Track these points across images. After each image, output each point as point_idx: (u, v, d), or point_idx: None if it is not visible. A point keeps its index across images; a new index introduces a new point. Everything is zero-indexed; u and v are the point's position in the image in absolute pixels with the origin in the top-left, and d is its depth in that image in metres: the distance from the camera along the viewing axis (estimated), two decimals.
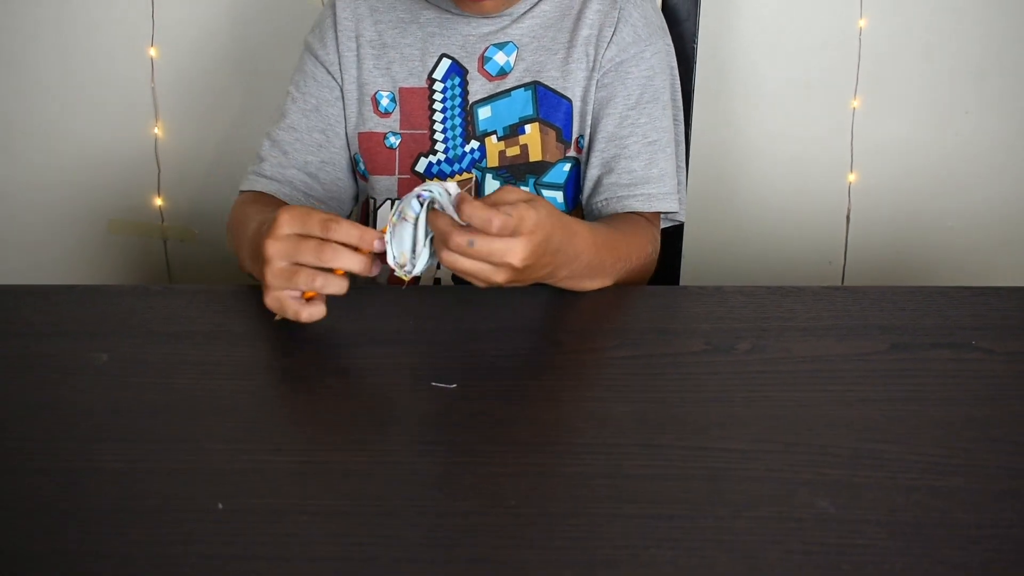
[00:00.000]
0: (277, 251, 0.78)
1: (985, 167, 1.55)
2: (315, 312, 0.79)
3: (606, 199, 1.03)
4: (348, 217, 1.16)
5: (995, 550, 0.60)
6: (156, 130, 1.56)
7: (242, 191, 1.09)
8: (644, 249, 1.00)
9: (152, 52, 1.52)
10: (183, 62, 1.53)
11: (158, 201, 1.60)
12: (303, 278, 0.77)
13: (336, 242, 0.77)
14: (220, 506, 0.63)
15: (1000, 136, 1.53)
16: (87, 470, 0.67)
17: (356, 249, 0.78)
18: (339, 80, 1.08)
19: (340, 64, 1.08)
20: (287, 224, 0.78)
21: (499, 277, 0.78)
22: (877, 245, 1.58)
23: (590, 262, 0.88)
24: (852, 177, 1.54)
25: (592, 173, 1.04)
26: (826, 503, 0.64)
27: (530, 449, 0.69)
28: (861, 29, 1.47)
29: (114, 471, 0.67)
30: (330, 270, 0.78)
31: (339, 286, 0.78)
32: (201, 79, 1.54)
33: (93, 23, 1.51)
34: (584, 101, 1.05)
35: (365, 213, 1.14)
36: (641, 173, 1.02)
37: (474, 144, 1.06)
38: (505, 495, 0.64)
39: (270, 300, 0.80)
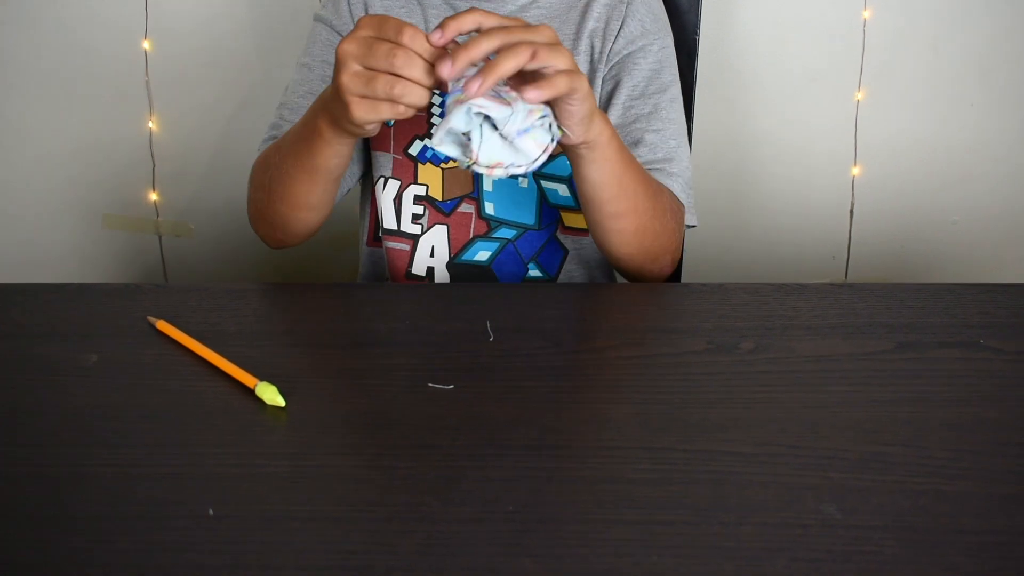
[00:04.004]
0: (350, 52, 0.73)
1: (990, 161, 1.53)
2: (406, 110, 0.73)
3: None
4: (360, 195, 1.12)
5: (1005, 557, 0.59)
6: (150, 124, 1.54)
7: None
8: (664, 192, 0.95)
9: (146, 45, 1.51)
10: (177, 55, 1.51)
11: (153, 196, 1.58)
12: (381, 84, 0.72)
13: (412, 51, 0.72)
14: (211, 512, 0.62)
15: (1005, 129, 1.52)
16: (75, 475, 0.66)
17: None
18: None
19: None
20: (365, 26, 0.74)
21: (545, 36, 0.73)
22: (881, 239, 1.57)
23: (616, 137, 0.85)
24: (856, 170, 1.53)
25: None
26: (832, 508, 0.62)
27: (529, 452, 0.67)
28: (865, 21, 1.45)
29: (103, 476, 0.66)
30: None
31: (420, 95, 0.72)
32: (196, 72, 1.52)
33: (85, 15, 1.50)
34: None
35: (372, 191, 1.10)
36: (647, 157, 0.99)
37: None
38: (503, 500, 0.63)
39: (357, 108, 0.74)
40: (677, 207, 0.97)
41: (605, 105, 1.03)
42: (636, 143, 0.99)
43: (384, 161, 1.05)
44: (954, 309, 0.85)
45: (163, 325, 0.80)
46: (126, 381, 0.76)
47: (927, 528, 0.61)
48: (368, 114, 0.74)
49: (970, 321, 0.83)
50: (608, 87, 1.03)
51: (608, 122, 0.83)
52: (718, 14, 1.42)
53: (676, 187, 0.98)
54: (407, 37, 0.72)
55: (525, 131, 0.73)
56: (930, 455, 0.67)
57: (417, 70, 0.72)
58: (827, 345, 0.80)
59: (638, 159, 0.98)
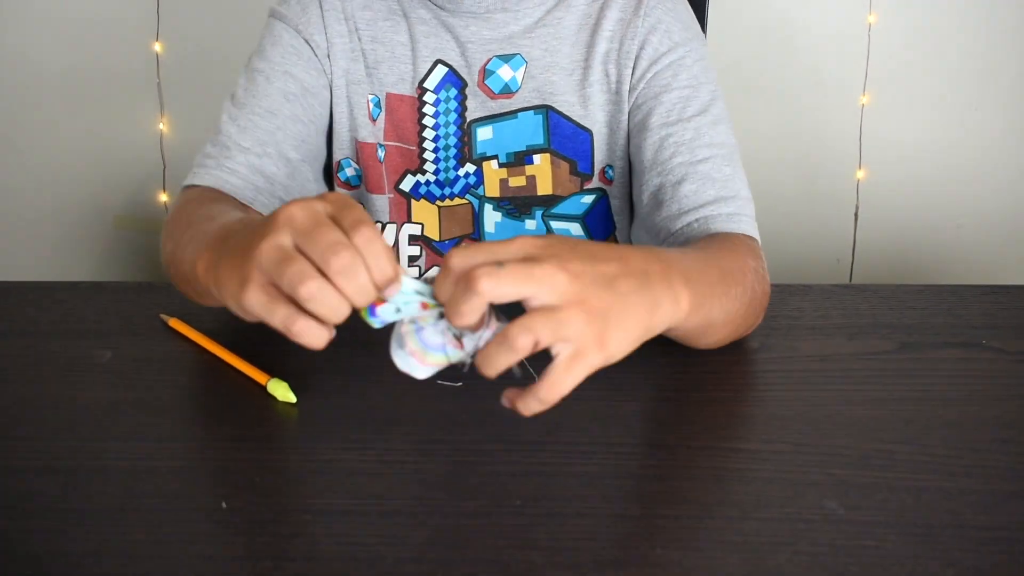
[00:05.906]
0: (264, 260, 0.55)
1: (994, 164, 1.54)
2: (310, 333, 0.56)
3: (665, 242, 0.85)
4: None
5: (1006, 552, 0.59)
6: (161, 125, 1.56)
7: (192, 185, 0.85)
8: (743, 261, 0.76)
9: (157, 47, 1.52)
10: (189, 57, 1.53)
11: (163, 197, 1.59)
12: (279, 317, 0.55)
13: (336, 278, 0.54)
14: (224, 505, 0.63)
15: (1009, 132, 1.52)
16: (89, 469, 0.67)
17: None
18: (328, 71, 0.91)
19: (330, 51, 0.91)
20: (295, 221, 0.55)
21: (542, 273, 0.54)
22: (886, 242, 1.58)
23: (658, 265, 0.60)
24: (861, 174, 1.54)
25: (643, 214, 0.88)
26: (835, 504, 0.63)
27: (536, 448, 0.68)
28: (870, 25, 1.46)
29: (117, 469, 0.67)
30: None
31: (318, 337, 0.57)
32: (207, 74, 1.54)
33: (97, 18, 1.51)
34: (610, 127, 0.92)
35: None
36: (695, 200, 0.83)
37: (469, 168, 0.94)
38: (511, 495, 0.64)
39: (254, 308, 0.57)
40: (756, 263, 0.78)
41: (636, 139, 0.89)
42: (680, 181, 0.84)
43: (380, 205, 0.96)
44: (957, 310, 0.86)
45: (176, 323, 0.81)
46: (140, 377, 0.77)
47: (929, 523, 0.61)
48: (259, 311, 0.56)
49: (973, 322, 0.84)
50: (637, 118, 0.90)
51: (684, 296, 0.61)
52: (723, 18, 1.43)
53: (746, 227, 0.83)
54: (360, 236, 0.53)
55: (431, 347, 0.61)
56: (932, 453, 0.68)
57: (328, 307, 0.55)
58: (831, 345, 0.80)
59: (684, 200, 0.84)
